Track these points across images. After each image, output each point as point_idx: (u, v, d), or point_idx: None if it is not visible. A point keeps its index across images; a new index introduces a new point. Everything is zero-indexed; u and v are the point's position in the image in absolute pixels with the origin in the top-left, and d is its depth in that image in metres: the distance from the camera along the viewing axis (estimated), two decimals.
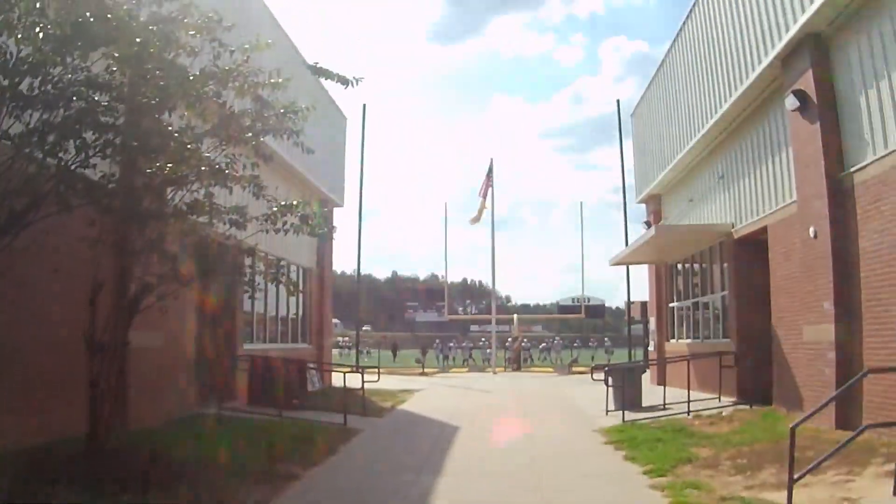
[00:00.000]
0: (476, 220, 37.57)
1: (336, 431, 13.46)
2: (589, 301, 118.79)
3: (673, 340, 23.17)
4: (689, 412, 14.84)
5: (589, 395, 20.89)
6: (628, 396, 16.23)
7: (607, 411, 16.10)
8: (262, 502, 8.05)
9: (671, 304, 23.39)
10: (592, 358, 53.33)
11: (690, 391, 15.74)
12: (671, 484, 8.69)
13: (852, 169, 11.40)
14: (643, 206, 26.45)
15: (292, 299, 23.22)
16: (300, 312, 23.88)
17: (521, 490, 8.98)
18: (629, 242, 37.45)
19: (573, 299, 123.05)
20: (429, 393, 23.26)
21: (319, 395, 19.76)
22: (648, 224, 24.79)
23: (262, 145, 9.36)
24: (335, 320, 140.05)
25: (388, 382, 27.47)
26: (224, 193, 9.61)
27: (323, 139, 24.71)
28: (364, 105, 39.52)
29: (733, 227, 17.68)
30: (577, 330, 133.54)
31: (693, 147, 19.73)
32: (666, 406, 16.47)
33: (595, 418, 15.72)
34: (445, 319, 66.88)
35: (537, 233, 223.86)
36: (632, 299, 38.48)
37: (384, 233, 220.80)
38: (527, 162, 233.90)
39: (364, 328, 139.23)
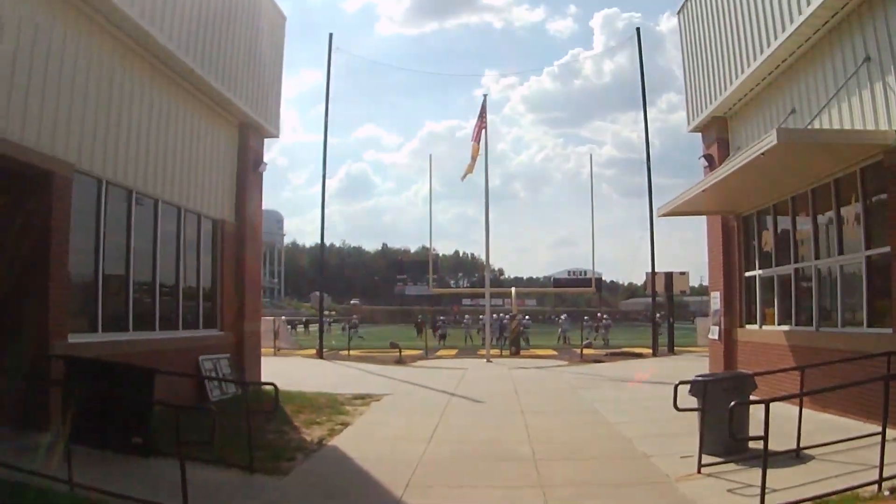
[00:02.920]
0: (470, 169, 29.14)
1: None
2: (586, 274, 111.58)
3: (751, 326, 15.40)
4: (880, 482, 7.02)
5: (634, 409, 13.37)
6: (731, 431, 8.45)
7: (699, 465, 8.41)
8: None
9: (749, 273, 15.59)
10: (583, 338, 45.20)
11: (803, 410, 8.06)
12: None
13: None
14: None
15: (191, 262, 15.47)
16: (202, 282, 15.95)
17: None
18: (653, 200, 29.88)
19: (568, 272, 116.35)
20: (393, 404, 15.42)
21: (210, 414, 11.98)
22: (709, 158, 16.94)
23: None
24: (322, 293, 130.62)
25: (352, 377, 20.35)
26: None
27: (240, 35, 16.81)
28: (330, 34, 31.84)
29: None
30: (570, 305, 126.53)
31: (797, 30, 12.02)
32: (801, 453, 8.76)
33: (683, 488, 7.96)
34: (430, 293, 59.25)
35: (528, 207, 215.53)
36: (643, 270, 31.01)
37: (375, 205, 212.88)
38: (518, 135, 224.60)
39: (352, 301, 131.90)
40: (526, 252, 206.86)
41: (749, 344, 15.14)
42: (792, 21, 12.26)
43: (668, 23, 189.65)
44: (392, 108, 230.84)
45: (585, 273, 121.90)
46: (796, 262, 13.54)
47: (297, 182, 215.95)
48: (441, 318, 51.84)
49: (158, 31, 12.60)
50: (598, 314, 52.14)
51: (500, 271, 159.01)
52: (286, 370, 23.53)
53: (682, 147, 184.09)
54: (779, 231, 14.48)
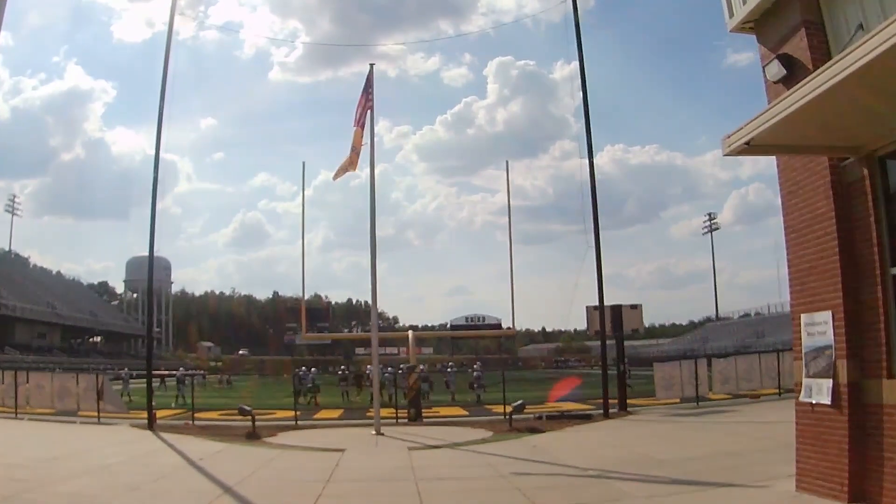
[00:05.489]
0: (351, 163, 19.48)
1: None
2: (484, 320, 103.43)
3: None
4: None
5: None
6: None
7: None
8: None
9: None
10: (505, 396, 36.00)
11: None
12: None
13: None
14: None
15: None
16: None
17: None
18: (599, 230, 21.39)
19: (466, 318, 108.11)
20: None
21: None
22: (787, 60, 8.57)
23: None
24: (207, 343, 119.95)
25: (148, 476, 11.72)
26: None
27: None
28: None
29: None
30: (468, 352, 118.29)
31: None
32: None
33: None
34: (300, 341, 49.39)
35: (423, 256, 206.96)
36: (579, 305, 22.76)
37: (269, 255, 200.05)
38: (411, 184, 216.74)
39: (241, 352, 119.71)
40: (420, 301, 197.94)
41: None
42: None
43: (561, 71, 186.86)
44: (286, 156, 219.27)
45: (484, 319, 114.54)
46: None
47: (191, 231, 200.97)
48: (301, 369, 39.64)
49: None
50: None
51: (395, 319, 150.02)
52: (59, 454, 14.29)
53: (575, 196, 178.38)
54: None
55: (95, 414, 23.10)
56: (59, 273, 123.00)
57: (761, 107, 7.23)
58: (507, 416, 19.09)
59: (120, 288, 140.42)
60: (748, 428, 16.31)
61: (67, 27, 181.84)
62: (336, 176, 19.75)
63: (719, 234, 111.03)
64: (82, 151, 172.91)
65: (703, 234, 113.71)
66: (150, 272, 22.24)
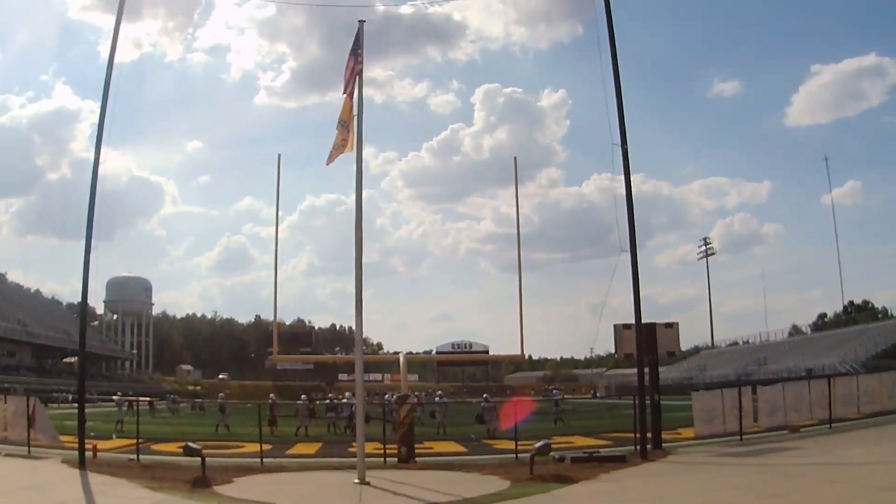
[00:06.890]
0: (345, 143, 15.43)
1: None
2: (471, 347, 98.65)
3: None
4: None
5: None
6: None
7: None
8: None
9: None
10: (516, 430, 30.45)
11: None
12: None
13: None
14: None
15: None
16: None
17: None
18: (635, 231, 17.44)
19: (452, 345, 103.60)
20: None
21: None
22: None
23: None
24: (187, 366, 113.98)
25: None
26: None
27: None
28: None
29: None
30: (454, 380, 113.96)
31: None
32: None
33: None
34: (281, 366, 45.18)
35: (407, 282, 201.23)
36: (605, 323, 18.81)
37: (253, 280, 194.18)
38: (396, 210, 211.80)
39: (220, 376, 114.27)
40: (404, 327, 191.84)
41: None
42: None
43: (548, 98, 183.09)
44: (272, 181, 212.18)
45: (471, 346, 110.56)
46: None
47: (175, 254, 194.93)
48: (272, 398, 34.53)
49: None
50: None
51: (379, 345, 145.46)
52: None
53: (561, 224, 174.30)
54: None
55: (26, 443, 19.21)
56: (37, 291, 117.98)
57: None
58: (529, 459, 14.84)
59: (100, 309, 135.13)
60: (846, 473, 12.39)
61: (56, 46, 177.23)
62: (330, 160, 15.68)
63: (704, 264, 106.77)
64: (68, 171, 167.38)
65: (698, 260, 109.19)
66: (84, 287, 18.17)
